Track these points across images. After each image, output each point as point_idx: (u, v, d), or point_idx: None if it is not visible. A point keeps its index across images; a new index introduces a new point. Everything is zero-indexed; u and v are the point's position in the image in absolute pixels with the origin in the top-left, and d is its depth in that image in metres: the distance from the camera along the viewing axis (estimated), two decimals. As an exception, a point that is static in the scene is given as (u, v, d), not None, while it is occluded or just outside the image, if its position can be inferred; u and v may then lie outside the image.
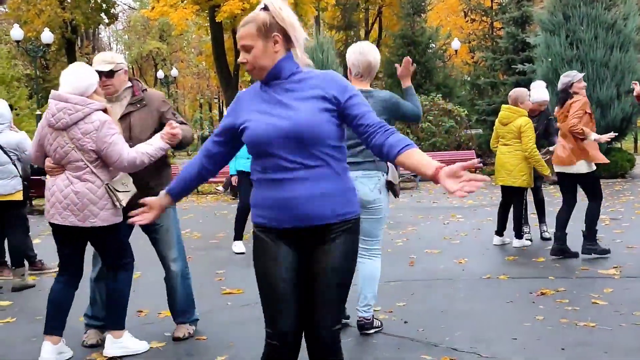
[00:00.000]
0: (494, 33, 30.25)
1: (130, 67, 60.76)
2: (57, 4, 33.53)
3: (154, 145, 4.20)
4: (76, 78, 4.09)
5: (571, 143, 6.78)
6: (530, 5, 24.59)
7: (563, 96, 6.97)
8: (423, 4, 30.37)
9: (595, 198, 6.90)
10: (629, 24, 17.23)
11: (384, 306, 5.31)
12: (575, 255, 6.87)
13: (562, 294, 5.51)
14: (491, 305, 5.33)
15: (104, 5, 36.78)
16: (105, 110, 4.11)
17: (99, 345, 4.56)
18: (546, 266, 6.68)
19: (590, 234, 6.87)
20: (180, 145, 4.38)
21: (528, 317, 4.86)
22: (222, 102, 51.42)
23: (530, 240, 8.02)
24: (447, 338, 4.47)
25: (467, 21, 33.77)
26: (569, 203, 7.01)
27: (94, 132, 4.01)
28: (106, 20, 38.66)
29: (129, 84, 4.53)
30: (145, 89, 4.58)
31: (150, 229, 4.70)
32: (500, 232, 7.98)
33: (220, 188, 17.60)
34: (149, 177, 4.40)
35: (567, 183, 6.98)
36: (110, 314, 4.45)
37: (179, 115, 4.63)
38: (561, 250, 6.91)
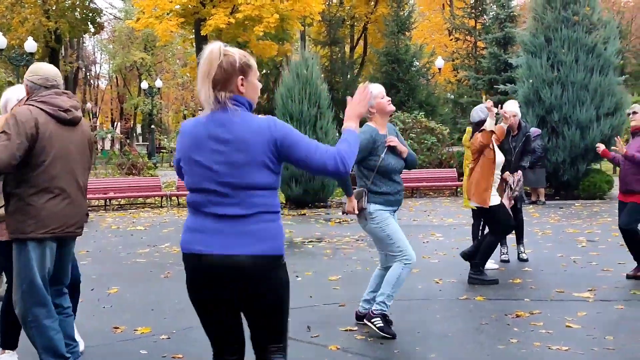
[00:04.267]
0: (477, 52, 30.59)
1: (114, 77, 60.75)
2: (42, 12, 33.44)
3: None
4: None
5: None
6: (513, 27, 24.92)
7: (476, 129, 7.22)
8: (408, 22, 30.62)
9: (494, 232, 7.13)
10: (609, 48, 17.49)
11: (361, 326, 5.35)
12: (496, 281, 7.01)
13: (537, 316, 5.58)
14: (467, 326, 5.38)
15: (90, 15, 36.71)
16: None
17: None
18: (522, 287, 6.76)
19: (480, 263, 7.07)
20: None
21: (503, 340, 4.91)
22: (206, 114, 51.20)
23: (508, 261, 8.09)
24: (421, 360, 4.52)
25: (451, 40, 34.14)
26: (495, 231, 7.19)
27: None
28: (92, 30, 38.57)
29: None
30: None
31: None
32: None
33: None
34: None
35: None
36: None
37: None
38: (468, 255, 7.19)
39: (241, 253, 2.70)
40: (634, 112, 7.07)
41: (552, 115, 17.17)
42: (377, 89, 5.08)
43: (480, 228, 7.94)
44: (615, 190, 17.97)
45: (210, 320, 2.88)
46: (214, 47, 2.76)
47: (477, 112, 7.26)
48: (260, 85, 2.91)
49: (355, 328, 5.31)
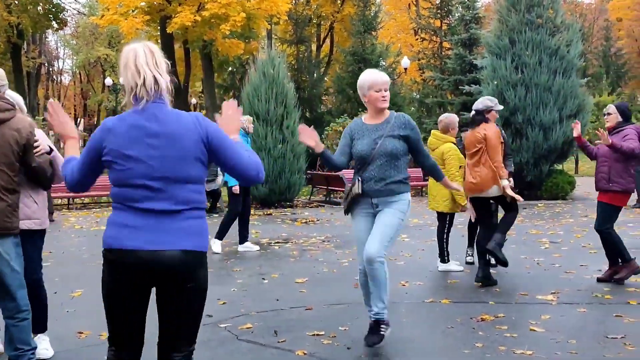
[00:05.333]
0: (443, 53, 30.81)
1: (78, 72, 59.89)
2: (4, 7, 32.80)
3: None
4: None
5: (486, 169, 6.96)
6: (478, 28, 25.13)
7: (479, 118, 7.12)
8: (374, 21, 30.73)
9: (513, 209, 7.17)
10: (572, 50, 17.78)
11: (327, 330, 5.35)
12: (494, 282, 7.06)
13: (502, 320, 5.64)
14: (433, 330, 5.42)
15: (53, 10, 36.12)
16: None
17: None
18: (487, 290, 6.82)
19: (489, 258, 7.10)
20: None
21: (468, 344, 4.95)
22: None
23: (473, 262, 8.16)
24: (388, 365, 4.53)
25: (417, 39, 34.31)
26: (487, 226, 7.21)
27: None
28: (55, 26, 37.97)
29: None
30: None
31: None
32: (442, 256, 8.11)
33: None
34: None
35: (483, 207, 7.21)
36: None
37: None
38: (486, 277, 7.04)
39: (170, 249, 2.73)
40: (609, 114, 7.18)
41: (516, 116, 17.39)
42: (370, 80, 4.94)
43: (446, 231, 7.95)
44: (578, 191, 18.32)
45: (120, 317, 2.89)
46: (138, 42, 2.90)
47: (483, 101, 7.19)
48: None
49: (322, 332, 5.30)
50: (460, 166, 7.56)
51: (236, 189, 9.33)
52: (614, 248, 7.08)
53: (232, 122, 3.06)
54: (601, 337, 5.09)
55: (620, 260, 7.11)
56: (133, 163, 2.77)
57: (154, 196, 2.76)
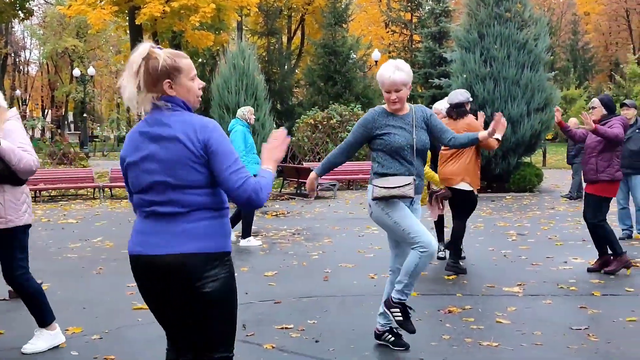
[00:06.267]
0: (413, 46, 30.94)
1: (45, 63, 59.04)
2: (-32, -4, 32.18)
3: None
4: None
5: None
6: (448, 22, 25.26)
7: (462, 110, 7.19)
8: (345, 14, 30.73)
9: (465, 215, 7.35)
10: (540, 44, 17.94)
11: (296, 324, 5.36)
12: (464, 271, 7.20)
13: (469, 312, 5.70)
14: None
15: (18, 0, 35.48)
16: None
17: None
18: (455, 282, 6.89)
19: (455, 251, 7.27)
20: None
21: (435, 336, 5.00)
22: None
23: (444, 257, 8.21)
24: (355, 358, 4.56)
25: (388, 32, 34.41)
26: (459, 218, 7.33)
27: None
28: (21, 15, 37.32)
29: None
30: None
31: None
32: None
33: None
34: None
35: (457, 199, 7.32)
36: None
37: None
38: (455, 266, 7.21)
39: (169, 252, 2.72)
40: (593, 107, 7.28)
41: (484, 110, 17.47)
42: (380, 80, 4.62)
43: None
44: (545, 184, 18.55)
45: (159, 319, 2.93)
46: (142, 48, 2.75)
47: (456, 95, 7.23)
48: (199, 84, 2.87)
49: (291, 326, 5.32)
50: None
51: None
52: (605, 241, 7.17)
53: (273, 153, 2.94)
54: (566, 329, 5.17)
55: (611, 253, 7.22)
56: (137, 168, 2.79)
57: (159, 200, 2.75)
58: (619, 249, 7.17)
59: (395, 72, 4.53)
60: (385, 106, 4.74)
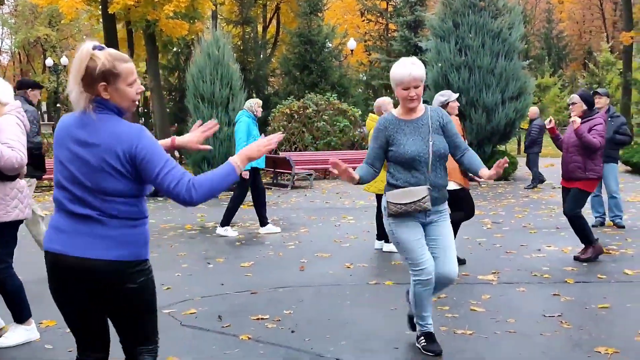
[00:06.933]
0: (389, 35, 30.94)
1: (17, 52, 58.19)
2: (-64, -16, 31.60)
3: None
4: None
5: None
6: (423, 10, 25.28)
7: None
8: (320, 2, 30.62)
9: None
10: (514, 33, 18.06)
11: (272, 314, 5.37)
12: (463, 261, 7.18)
13: (444, 300, 5.74)
14: (376, 312, 5.49)
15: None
16: None
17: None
18: (430, 271, 6.92)
19: None
20: None
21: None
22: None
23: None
24: (331, 348, 4.58)
25: (364, 21, 34.39)
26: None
27: None
28: (-9, 4, 36.77)
29: None
30: None
31: None
32: (380, 236, 8.22)
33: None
34: None
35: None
36: None
37: None
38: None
39: (95, 257, 2.70)
40: (574, 103, 7.33)
41: (459, 99, 17.54)
42: (397, 77, 4.29)
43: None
44: (520, 172, 18.69)
45: (69, 318, 2.91)
46: (83, 49, 2.70)
47: (437, 99, 7.19)
48: (137, 89, 2.80)
49: (267, 316, 5.32)
50: None
51: (246, 174, 9.04)
52: (581, 231, 7.24)
53: (250, 149, 2.89)
54: (539, 316, 5.23)
55: (584, 243, 7.30)
56: (60, 166, 2.78)
57: (80, 201, 2.72)
58: (593, 239, 7.26)
59: (413, 67, 4.26)
60: (395, 112, 4.51)
